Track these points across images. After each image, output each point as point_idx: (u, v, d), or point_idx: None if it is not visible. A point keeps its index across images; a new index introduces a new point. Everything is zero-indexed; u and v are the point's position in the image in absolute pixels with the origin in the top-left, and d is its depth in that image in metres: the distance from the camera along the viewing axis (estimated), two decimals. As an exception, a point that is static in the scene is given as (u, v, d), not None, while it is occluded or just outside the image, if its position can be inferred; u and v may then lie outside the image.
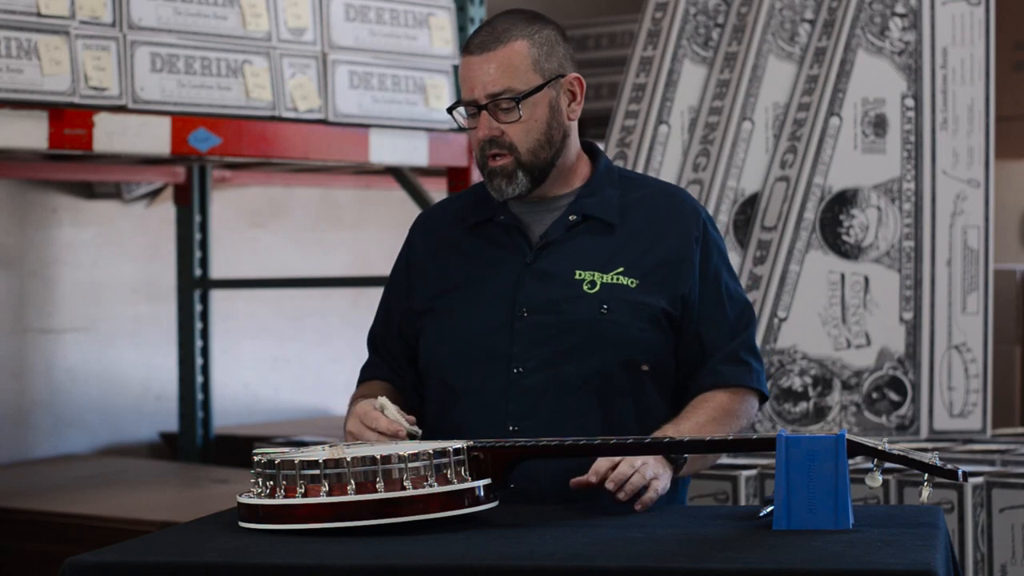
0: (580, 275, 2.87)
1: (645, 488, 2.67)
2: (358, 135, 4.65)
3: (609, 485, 2.65)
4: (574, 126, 2.95)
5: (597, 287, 2.87)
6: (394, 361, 3.03)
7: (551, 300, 2.86)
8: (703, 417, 2.84)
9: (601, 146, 3.12)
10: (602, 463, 2.67)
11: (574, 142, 2.96)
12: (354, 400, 2.96)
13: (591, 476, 2.67)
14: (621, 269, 2.88)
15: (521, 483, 2.75)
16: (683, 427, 2.80)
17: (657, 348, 2.88)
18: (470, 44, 2.88)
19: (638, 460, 2.67)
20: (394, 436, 2.74)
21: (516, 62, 2.85)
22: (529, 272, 2.89)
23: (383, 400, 2.79)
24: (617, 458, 2.67)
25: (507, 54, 2.84)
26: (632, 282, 2.87)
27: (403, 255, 3.07)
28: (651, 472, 2.67)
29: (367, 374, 3.06)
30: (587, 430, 2.80)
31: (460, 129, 4.88)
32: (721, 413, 2.86)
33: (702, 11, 4.62)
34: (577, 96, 2.92)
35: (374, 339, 3.08)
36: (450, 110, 2.94)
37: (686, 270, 2.90)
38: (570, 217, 2.91)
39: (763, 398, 2.97)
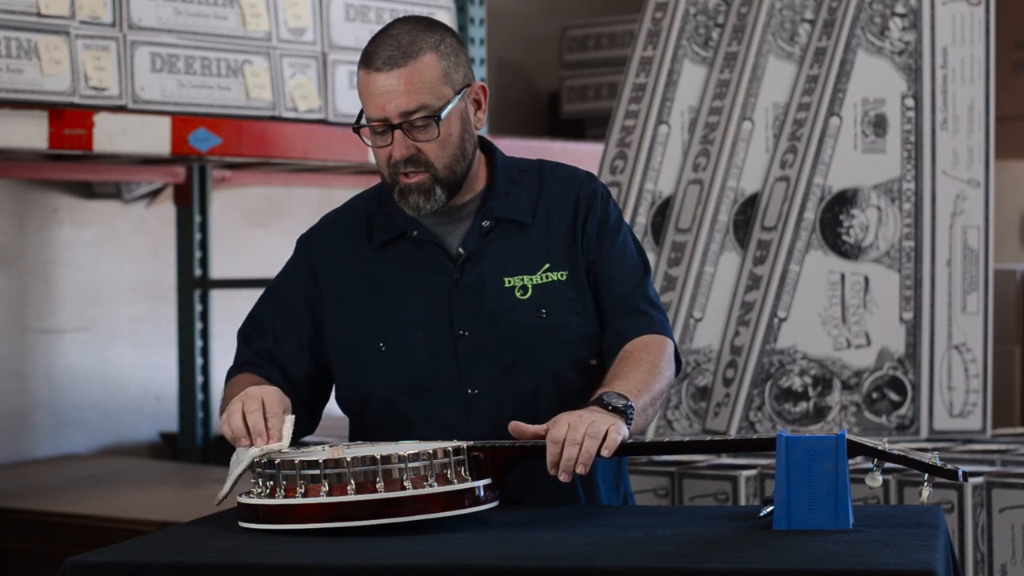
0: (510, 282, 2.81)
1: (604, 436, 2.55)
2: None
3: (553, 471, 2.56)
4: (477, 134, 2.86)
5: (529, 292, 2.81)
6: (282, 371, 2.94)
7: (487, 313, 2.80)
8: (634, 370, 2.73)
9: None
10: (558, 433, 2.54)
11: (477, 149, 2.87)
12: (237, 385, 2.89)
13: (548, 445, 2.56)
14: (547, 265, 2.83)
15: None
16: (628, 387, 2.67)
17: (599, 339, 2.84)
18: (373, 59, 2.73)
19: (582, 428, 2.53)
20: (254, 435, 2.77)
21: (428, 77, 2.72)
22: (457, 288, 2.81)
23: (291, 419, 2.72)
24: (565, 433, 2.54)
25: (418, 69, 2.72)
26: (562, 275, 2.83)
27: (302, 273, 2.93)
28: (599, 429, 2.55)
29: (256, 372, 2.98)
30: None
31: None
32: (645, 367, 2.74)
33: (702, 11, 4.62)
34: (482, 104, 2.83)
35: (251, 341, 3.00)
36: (356, 129, 2.78)
37: (581, 238, 2.84)
38: (483, 223, 2.84)
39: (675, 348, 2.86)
